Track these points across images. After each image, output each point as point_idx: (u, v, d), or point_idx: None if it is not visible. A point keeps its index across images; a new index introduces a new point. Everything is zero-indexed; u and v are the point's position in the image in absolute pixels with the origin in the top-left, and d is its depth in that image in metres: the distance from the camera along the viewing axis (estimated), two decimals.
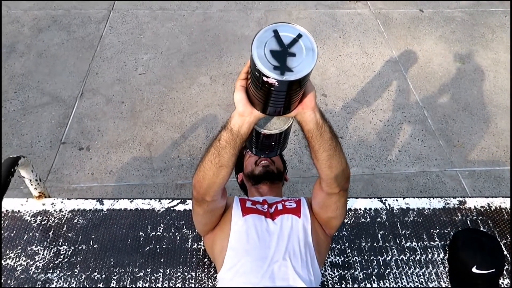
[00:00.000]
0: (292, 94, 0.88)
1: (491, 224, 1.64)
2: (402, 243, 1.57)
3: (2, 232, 1.52)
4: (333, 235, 1.42)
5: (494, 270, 1.37)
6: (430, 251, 1.55)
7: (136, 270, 1.44)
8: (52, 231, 1.54)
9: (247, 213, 1.30)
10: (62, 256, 1.47)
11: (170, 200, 1.66)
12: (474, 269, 1.37)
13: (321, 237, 1.31)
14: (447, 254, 1.53)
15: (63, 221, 1.57)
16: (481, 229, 1.62)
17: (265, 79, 0.81)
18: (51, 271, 1.43)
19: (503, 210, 1.68)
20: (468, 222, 1.64)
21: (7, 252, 1.47)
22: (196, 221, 1.31)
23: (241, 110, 0.95)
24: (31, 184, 1.57)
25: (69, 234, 1.53)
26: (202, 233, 1.37)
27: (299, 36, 0.83)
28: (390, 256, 1.52)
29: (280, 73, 0.79)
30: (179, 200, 1.66)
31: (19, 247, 1.48)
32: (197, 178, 1.11)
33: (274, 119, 1.04)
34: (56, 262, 1.45)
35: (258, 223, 1.28)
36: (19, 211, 1.60)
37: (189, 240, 1.54)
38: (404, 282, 1.45)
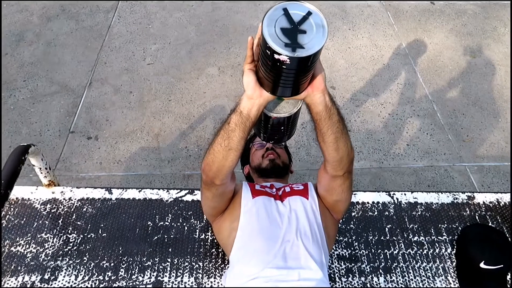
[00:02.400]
0: (302, 73, 0.88)
1: (499, 220, 1.63)
2: (410, 237, 1.56)
3: (13, 219, 1.54)
4: (340, 220, 1.43)
5: (502, 266, 1.36)
6: (437, 245, 1.54)
7: (144, 259, 1.45)
8: (61, 219, 1.56)
9: (257, 194, 1.31)
10: (71, 244, 1.48)
11: (178, 190, 1.67)
12: (482, 265, 1.36)
13: (329, 220, 1.32)
14: (454, 249, 1.53)
15: (72, 209, 1.59)
16: (490, 224, 1.61)
17: (276, 56, 0.81)
18: (60, 258, 1.44)
19: None
20: (477, 217, 1.64)
21: (17, 239, 1.49)
22: (204, 205, 1.32)
23: (250, 93, 0.95)
24: (41, 173, 1.59)
25: (78, 223, 1.55)
26: (210, 218, 1.37)
27: (309, 13, 0.85)
28: (397, 250, 1.52)
29: (292, 50, 0.79)
30: (187, 191, 1.67)
31: (29, 235, 1.50)
32: (206, 161, 1.11)
33: (283, 103, 1.04)
34: (65, 250, 1.47)
35: (268, 203, 1.29)
36: (29, 198, 1.61)
37: (197, 230, 1.54)
38: (411, 276, 1.46)
